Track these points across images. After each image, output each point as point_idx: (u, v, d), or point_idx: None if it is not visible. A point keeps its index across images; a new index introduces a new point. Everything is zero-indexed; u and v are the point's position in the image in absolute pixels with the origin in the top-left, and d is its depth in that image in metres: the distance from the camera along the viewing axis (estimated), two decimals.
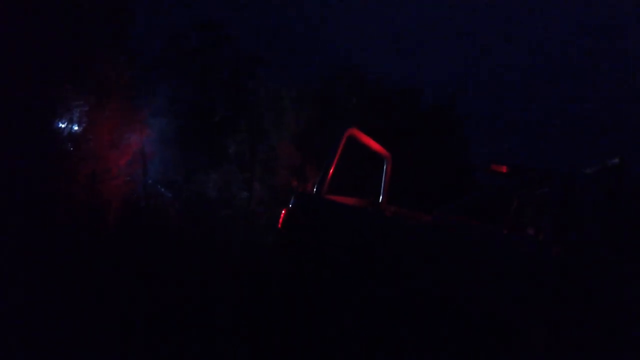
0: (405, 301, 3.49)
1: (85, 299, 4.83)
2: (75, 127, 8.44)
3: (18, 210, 5.85)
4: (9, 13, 8.99)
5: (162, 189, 11.04)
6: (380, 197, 5.65)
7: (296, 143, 13.16)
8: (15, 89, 7.41)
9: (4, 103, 7.13)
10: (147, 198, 8.43)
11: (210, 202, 12.47)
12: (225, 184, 13.53)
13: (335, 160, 4.33)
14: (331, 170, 4.28)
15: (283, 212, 4.11)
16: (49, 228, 6.11)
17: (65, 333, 4.32)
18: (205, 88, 16.04)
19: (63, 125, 8.28)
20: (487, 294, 3.42)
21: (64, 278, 5.44)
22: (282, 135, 13.27)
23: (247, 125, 14.29)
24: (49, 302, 4.81)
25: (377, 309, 3.54)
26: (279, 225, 4.09)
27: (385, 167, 5.69)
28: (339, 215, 3.99)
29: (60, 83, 9.03)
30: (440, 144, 13.20)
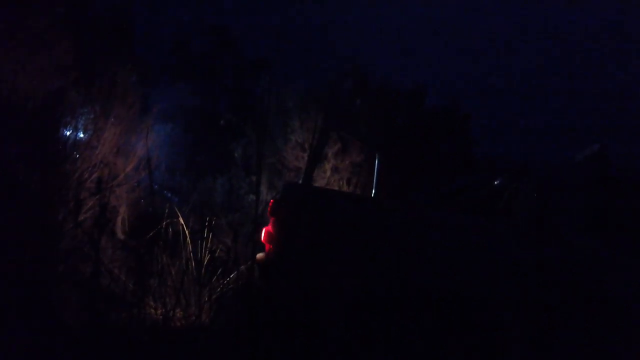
0: (386, 286, 3.63)
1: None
2: (81, 135, 8.49)
3: (22, 218, 5.87)
4: (13, 19, 9.07)
5: (169, 194, 11.10)
6: (373, 191, 5.92)
7: (302, 145, 13.18)
8: (19, 97, 7.47)
9: (8, 111, 7.18)
10: (154, 204, 8.44)
11: (217, 206, 12.51)
12: (231, 187, 13.58)
13: (318, 156, 4.73)
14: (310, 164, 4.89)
15: (271, 201, 4.27)
16: (54, 236, 6.14)
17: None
18: (210, 92, 16.12)
19: (68, 133, 8.33)
20: (459, 279, 3.57)
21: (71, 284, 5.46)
22: (288, 138, 13.30)
23: (252, 129, 14.32)
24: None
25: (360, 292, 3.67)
26: (268, 214, 4.22)
27: (376, 163, 5.94)
28: (326, 201, 4.25)
29: (65, 91, 9.09)
30: (445, 144, 13.20)
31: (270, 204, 4.24)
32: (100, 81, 9.84)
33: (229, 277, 4.96)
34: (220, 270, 5.05)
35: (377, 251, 3.74)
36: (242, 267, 5.12)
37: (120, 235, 8.13)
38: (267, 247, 4.20)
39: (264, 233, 4.25)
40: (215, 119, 14.86)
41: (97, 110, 9.30)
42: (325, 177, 11.39)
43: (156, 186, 10.34)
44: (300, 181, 3.84)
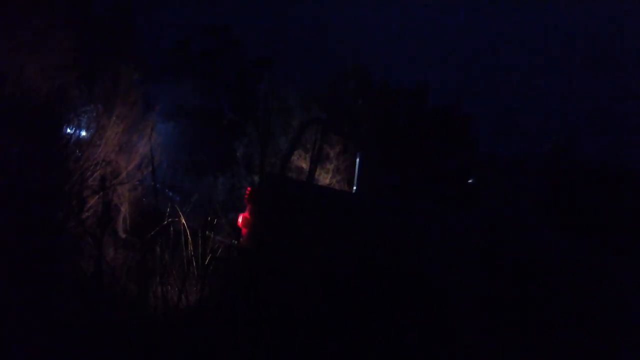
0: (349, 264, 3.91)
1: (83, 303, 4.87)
2: (84, 133, 8.51)
3: (24, 216, 5.89)
4: (16, 19, 9.09)
5: (170, 193, 11.11)
6: (354, 187, 6.17)
7: (304, 145, 13.20)
8: (22, 95, 7.48)
9: (10, 109, 7.19)
10: (156, 202, 8.44)
11: (219, 204, 12.52)
12: (233, 186, 13.59)
13: (295, 148, 5.15)
14: (287, 156, 5.20)
15: (248, 189, 4.77)
16: (57, 233, 6.15)
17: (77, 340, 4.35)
18: (212, 92, 16.13)
19: (71, 131, 8.35)
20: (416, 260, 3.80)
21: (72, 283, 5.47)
22: (289, 138, 13.30)
23: (254, 128, 14.33)
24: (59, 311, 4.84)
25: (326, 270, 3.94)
26: (245, 200, 4.68)
27: (358, 160, 6.22)
28: (297, 190, 4.72)
29: (67, 89, 9.11)
30: (447, 143, 13.19)
31: (247, 191, 4.68)
32: (102, 80, 9.88)
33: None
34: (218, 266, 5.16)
35: (343, 235, 4.03)
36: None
37: (121, 233, 8.16)
38: (244, 231, 4.59)
39: (241, 219, 4.66)
40: (217, 118, 14.87)
41: (100, 109, 9.33)
42: (328, 177, 11.41)
43: (158, 185, 10.35)
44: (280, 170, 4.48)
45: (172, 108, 13.67)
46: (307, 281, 3.87)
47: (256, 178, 13.25)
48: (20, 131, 7.21)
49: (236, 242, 4.89)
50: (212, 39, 18.22)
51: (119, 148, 8.61)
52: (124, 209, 8.23)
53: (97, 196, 7.35)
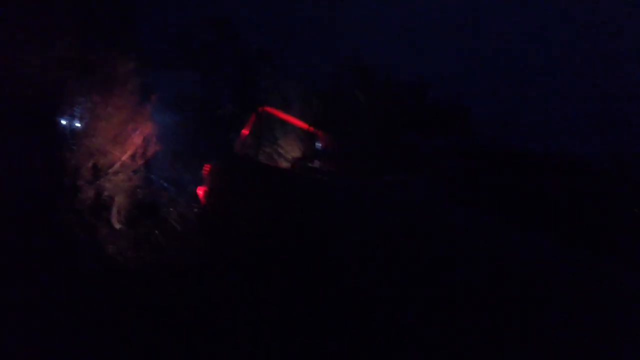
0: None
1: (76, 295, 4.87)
2: (79, 123, 8.48)
3: (18, 206, 5.89)
4: (12, 8, 9.03)
5: (166, 184, 11.05)
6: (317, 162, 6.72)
7: (301, 137, 13.17)
8: (18, 84, 7.45)
9: (6, 99, 7.17)
10: (151, 194, 8.44)
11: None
12: None
13: (246, 130, 6.60)
14: (243, 138, 6.34)
15: (206, 166, 5.57)
16: (50, 224, 6.15)
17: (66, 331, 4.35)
18: (211, 83, 16.06)
19: (66, 122, 8.31)
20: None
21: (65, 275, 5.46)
22: (287, 129, 13.26)
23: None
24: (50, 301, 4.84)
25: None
26: (203, 176, 5.53)
27: (318, 142, 6.76)
28: (242, 167, 5.44)
29: (64, 78, 9.06)
30: (447, 137, 13.16)
31: (206, 167, 5.51)
32: (99, 69, 9.82)
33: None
34: None
35: (279, 206, 4.44)
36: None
37: (116, 224, 8.13)
38: (202, 202, 5.47)
39: (201, 192, 5.54)
40: (215, 109, 14.82)
41: (96, 99, 9.28)
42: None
43: (153, 176, 10.31)
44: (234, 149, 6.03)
45: (170, 99, 13.62)
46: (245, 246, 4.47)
47: None
48: (15, 121, 7.19)
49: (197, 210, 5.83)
50: (213, 31, 18.15)
51: (114, 138, 8.57)
52: (118, 199, 8.20)
53: (91, 185, 7.33)
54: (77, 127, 8.37)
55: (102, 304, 4.97)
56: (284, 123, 10.69)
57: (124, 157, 8.44)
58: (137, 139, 9.09)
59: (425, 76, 15.40)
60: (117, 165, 8.08)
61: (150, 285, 5.27)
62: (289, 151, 11.68)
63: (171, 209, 7.20)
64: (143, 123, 9.94)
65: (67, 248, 6.34)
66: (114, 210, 8.04)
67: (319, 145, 5.99)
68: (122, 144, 8.54)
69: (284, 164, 6.30)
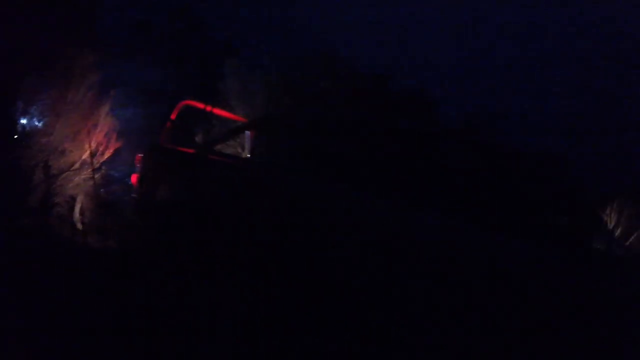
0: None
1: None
2: (37, 122, 8.26)
3: None
4: None
5: (129, 181, 10.84)
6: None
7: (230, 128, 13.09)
8: None
9: None
10: (112, 191, 8.30)
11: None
12: None
13: (169, 123, 7.50)
14: (166, 132, 7.26)
15: (137, 156, 6.42)
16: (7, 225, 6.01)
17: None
18: (174, 76, 15.83)
19: (24, 121, 8.10)
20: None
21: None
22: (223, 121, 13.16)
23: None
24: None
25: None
26: (136, 164, 6.41)
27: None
28: (165, 154, 6.25)
29: (20, 73, 8.81)
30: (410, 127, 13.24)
31: (137, 157, 6.38)
32: (58, 63, 9.53)
33: None
34: None
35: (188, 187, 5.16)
36: None
37: (78, 224, 7.96)
38: (135, 186, 6.39)
39: (134, 177, 6.49)
40: (179, 101, 14.58)
41: (54, 95, 9.02)
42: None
43: (116, 174, 10.13)
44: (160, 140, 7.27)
45: (132, 92, 13.37)
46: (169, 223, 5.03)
47: None
48: None
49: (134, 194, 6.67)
50: (175, 21, 17.88)
51: (74, 136, 8.37)
52: (80, 199, 8.03)
53: (51, 187, 7.17)
54: (36, 125, 8.15)
55: (61, 302, 4.88)
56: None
57: (85, 155, 8.26)
58: (98, 136, 8.90)
59: (389, 66, 15.47)
60: (77, 164, 7.91)
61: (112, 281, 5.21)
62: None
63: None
64: (104, 118, 9.74)
65: (26, 248, 6.20)
66: (76, 209, 7.89)
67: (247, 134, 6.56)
68: (82, 141, 8.35)
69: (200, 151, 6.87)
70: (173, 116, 7.51)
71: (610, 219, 9.59)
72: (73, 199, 7.53)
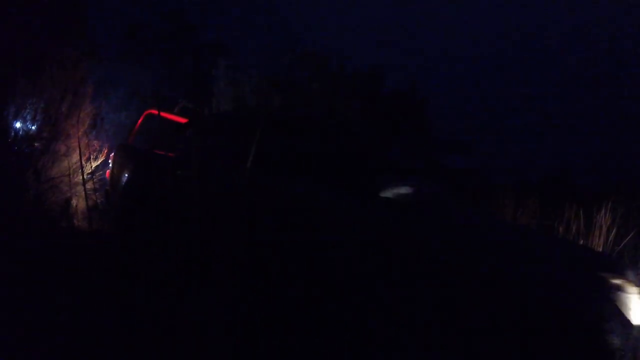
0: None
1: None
2: (30, 126, 8.32)
3: None
4: None
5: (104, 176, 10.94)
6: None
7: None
8: None
9: None
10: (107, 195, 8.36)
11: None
12: None
13: (135, 129, 8.14)
14: (132, 134, 8.08)
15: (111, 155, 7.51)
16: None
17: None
18: (166, 78, 15.88)
19: (18, 124, 8.15)
20: None
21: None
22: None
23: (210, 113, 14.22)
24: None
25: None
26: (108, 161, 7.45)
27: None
28: (131, 152, 6.79)
29: (12, 77, 8.85)
30: (402, 127, 13.37)
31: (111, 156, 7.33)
32: (50, 67, 9.58)
33: None
34: None
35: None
36: None
37: (71, 228, 8.01)
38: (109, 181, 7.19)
39: (108, 173, 7.48)
40: (171, 105, 14.64)
41: (47, 99, 9.08)
42: None
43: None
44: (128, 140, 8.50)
45: (124, 96, 13.43)
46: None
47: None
48: None
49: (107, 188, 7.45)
50: (166, 24, 17.90)
51: (66, 139, 8.44)
52: (75, 202, 8.10)
53: (45, 191, 7.23)
54: (29, 129, 8.21)
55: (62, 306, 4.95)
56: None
57: (78, 159, 8.32)
58: (92, 140, 8.98)
59: (379, 66, 15.53)
60: (71, 168, 7.98)
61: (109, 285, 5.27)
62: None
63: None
64: (97, 121, 9.81)
65: (21, 255, 6.26)
66: (69, 212, 7.94)
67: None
68: (75, 145, 8.41)
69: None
70: (139, 122, 8.28)
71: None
72: (67, 202, 7.60)
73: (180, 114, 8.36)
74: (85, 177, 8.14)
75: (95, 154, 9.00)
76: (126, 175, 6.40)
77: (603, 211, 6.58)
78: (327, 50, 15.58)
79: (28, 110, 8.72)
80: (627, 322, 2.98)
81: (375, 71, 15.00)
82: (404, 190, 4.05)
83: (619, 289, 3.12)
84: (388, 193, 3.92)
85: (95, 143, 9.25)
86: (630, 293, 3.10)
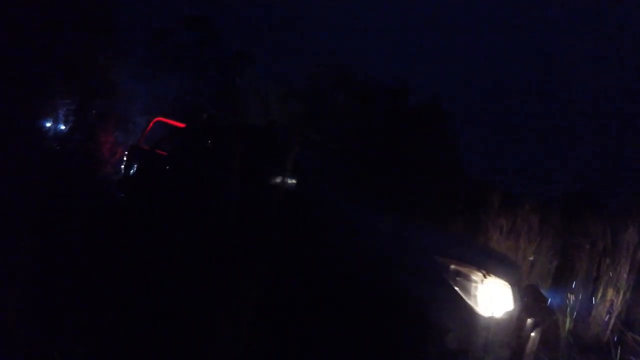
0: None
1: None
2: (62, 127, 8.48)
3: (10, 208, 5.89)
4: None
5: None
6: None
7: None
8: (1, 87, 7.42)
9: None
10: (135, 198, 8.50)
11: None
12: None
13: (144, 134, 8.09)
14: (143, 136, 8.08)
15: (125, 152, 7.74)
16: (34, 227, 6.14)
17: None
18: (192, 85, 16.07)
19: (49, 125, 8.32)
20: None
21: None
22: None
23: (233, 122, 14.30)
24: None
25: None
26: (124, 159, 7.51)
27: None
28: (141, 153, 7.18)
29: (47, 82, 9.04)
30: (426, 142, 13.33)
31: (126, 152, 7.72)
32: (82, 72, 9.80)
33: None
34: None
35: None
36: None
37: (101, 228, 8.12)
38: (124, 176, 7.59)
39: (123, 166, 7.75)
40: (197, 112, 14.77)
41: (78, 101, 9.28)
42: None
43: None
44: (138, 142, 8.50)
45: (151, 101, 13.61)
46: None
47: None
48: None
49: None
50: (193, 32, 18.15)
51: (97, 140, 8.59)
52: (99, 202, 8.22)
53: (73, 189, 7.34)
54: (60, 129, 8.38)
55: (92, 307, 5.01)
56: None
57: (108, 160, 8.47)
58: (120, 142, 9.12)
59: (404, 79, 15.56)
60: (97, 168, 8.12)
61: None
62: None
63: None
64: (123, 125, 10.00)
65: (55, 251, 6.33)
66: (100, 215, 8.03)
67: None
68: (102, 146, 8.56)
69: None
70: (149, 127, 8.56)
71: None
72: (92, 202, 7.71)
73: (205, 122, 8.49)
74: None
75: (121, 154, 9.19)
76: (132, 168, 7.26)
77: (630, 229, 6.47)
78: (352, 62, 15.67)
79: (60, 112, 8.92)
80: (466, 308, 3.18)
81: (401, 84, 15.03)
82: None
83: (459, 274, 3.28)
84: None
85: (124, 144, 9.41)
86: (473, 282, 3.26)
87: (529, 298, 3.86)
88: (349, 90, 14.63)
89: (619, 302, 6.07)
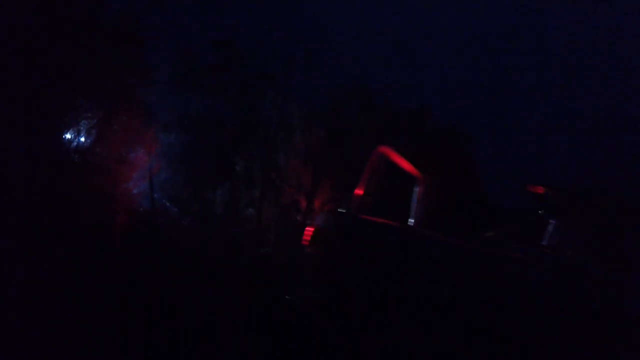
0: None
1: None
2: (83, 139, 8.43)
3: (26, 218, 5.82)
4: (22, 29, 9.01)
5: (168, 204, 10.97)
6: (412, 219, 5.10)
7: (304, 161, 13.09)
8: (25, 98, 7.41)
9: (15, 112, 7.13)
10: (154, 212, 8.37)
11: (217, 218, 12.39)
12: (231, 200, 13.44)
13: (365, 179, 4.80)
14: (362, 190, 4.76)
15: (309, 229, 4.49)
16: (57, 236, 6.08)
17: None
18: (215, 104, 16.08)
19: (71, 136, 8.26)
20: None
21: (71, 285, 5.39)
22: (290, 154, 13.22)
23: (255, 143, 14.23)
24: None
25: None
26: (305, 242, 4.48)
27: (417, 189, 5.11)
28: (375, 233, 4.23)
29: (71, 96, 9.03)
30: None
31: (307, 232, 4.63)
32: (105, 87, 9.78)
33: None
34: None
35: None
36: None
37: (117, 243, 8.02)
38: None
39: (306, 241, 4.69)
40: (219, 130, 14.79)
41: (101, 116, 9.24)
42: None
43: (156, 195, 10.25)
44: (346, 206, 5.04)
45: (174, 119, 13.59)
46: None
47: (256, 192, 13.09)
48: (19, 133, 7.15)
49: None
50: (217, 53, 18.23)
51: (118, 156, 8.51)
52: (122, 217, 8.11)
53: (92, 204, 7.26)
54: (82, 143, 8.32)
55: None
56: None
57: (128, 175, 8.38)
58: (141, 158, 9.03)
59: (426, 103, 15.41)
60: (120, 183, 8.02)
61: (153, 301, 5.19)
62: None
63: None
64: (148, 142, 9.91)
65: (69, 264, 6.25)
66: (116, 228, 7.95)
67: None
68: (126, 162, 8.48)
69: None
70: (366, 175, 4.98)
71: None
72: (114, 215, 7.61)
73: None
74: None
75: (143, 171, 9.06)
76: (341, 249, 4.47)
77: None
78: (374, 84, 15.56)
79: (82, 125, 8.87)
80: None
81: (422, 107, 14.89)
82: None
83: None
84: None
85: (145, 161, 9.31)
86: None
87: None
88: (370, 113, 14.50)
89: None
